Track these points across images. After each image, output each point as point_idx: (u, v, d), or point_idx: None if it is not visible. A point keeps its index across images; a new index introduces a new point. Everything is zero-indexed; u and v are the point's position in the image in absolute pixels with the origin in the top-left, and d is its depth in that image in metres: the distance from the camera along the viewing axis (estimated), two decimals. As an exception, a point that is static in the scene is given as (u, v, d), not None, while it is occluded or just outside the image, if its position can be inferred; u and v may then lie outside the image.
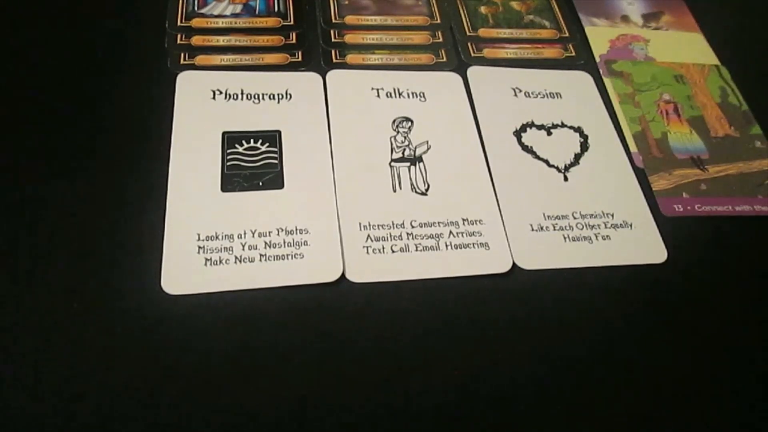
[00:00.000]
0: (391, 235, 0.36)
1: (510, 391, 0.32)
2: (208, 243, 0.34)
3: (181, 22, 0.46)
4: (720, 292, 0.37)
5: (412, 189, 0.39)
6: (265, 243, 0.35)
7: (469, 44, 0.48)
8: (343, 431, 0.30)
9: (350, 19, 0.48)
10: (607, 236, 0.39)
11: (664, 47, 0.51)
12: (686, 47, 0.52)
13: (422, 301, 0.34)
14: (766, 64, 0.52)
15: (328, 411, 0.30)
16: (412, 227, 0.37)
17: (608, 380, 0.33)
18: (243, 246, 0.35)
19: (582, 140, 0.43)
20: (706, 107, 0.47)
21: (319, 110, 0.42)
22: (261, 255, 0.34)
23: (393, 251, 0.36)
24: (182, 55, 0.43)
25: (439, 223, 0.37)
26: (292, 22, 0.47)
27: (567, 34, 0.50)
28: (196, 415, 0.29)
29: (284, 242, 0.35)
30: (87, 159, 0.37)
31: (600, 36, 0.51)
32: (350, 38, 0.47)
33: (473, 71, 0.46)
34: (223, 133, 0.39)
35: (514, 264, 0.36)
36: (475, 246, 0.37)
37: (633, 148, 0.44)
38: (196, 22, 0.46)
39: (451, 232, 0.37)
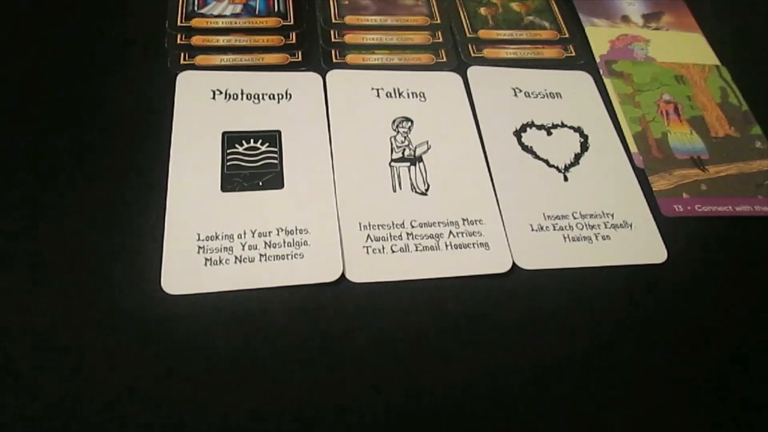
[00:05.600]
0: (391, 235, 0.36)
1: (510, 391, 0.32)
2: (208, 243, 0.34)
3: (181, 22, 0.46)
4: (720, 292, 0.37)
5: (412, 189, 0.39)
6: (265, 243, 0.35)
7: (469, 45, 0.48)
8: (343, 431, 0.30)
9: (350, 19, 0.48)
10: (607, 236, 0.39)
11: (664, 47, 0.51)
12: (686, 47, 0.52)
13: (422, 301, 0.34)
14: (766, 64, 0.52)
15: (328, 411, 0.30)
16: (412, 227, 0.37)
17: (608, 380, 0.33)
18: (243, 246, 0.35)
19: (582, 140, 0.43)
20: (706, 107, 0.47)
21: (319, 110, 0.42)
22: (261, 255, 0.34)
23: (393, 251, 0.36)
24: (182, 55, 0.43)
25: (439, 223, 0.37)
26: (292, 22, 0.47)
27: (567, 35, 0.50)
28: (196, 415, 0.29)
29: (284, 242, 0.35)
30: (87, 159, 0.37)
31: (600, 36, 0.51)
32: (350, 38, 0.47)
33: (473, 71, 0.46)
34: (223, 133, 0.39)
35: (514, 264, 0.36)
36: (475, 246, 0.37)
37: (633, 148, 0.44)
38: (196, 22, 0.46)
39: (451, 232, 0.37)
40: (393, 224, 0.37)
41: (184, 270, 0.33)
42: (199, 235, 0.35)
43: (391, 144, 0.41)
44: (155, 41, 0.44)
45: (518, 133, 0.43)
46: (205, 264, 0.34)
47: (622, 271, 0.37)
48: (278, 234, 0.35)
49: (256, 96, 0.42)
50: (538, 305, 0.35)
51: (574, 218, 0.39)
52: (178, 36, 0.45)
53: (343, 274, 0.34)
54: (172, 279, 0.33)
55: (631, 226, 0.39)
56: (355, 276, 0.35)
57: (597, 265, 0.37)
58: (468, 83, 0.45)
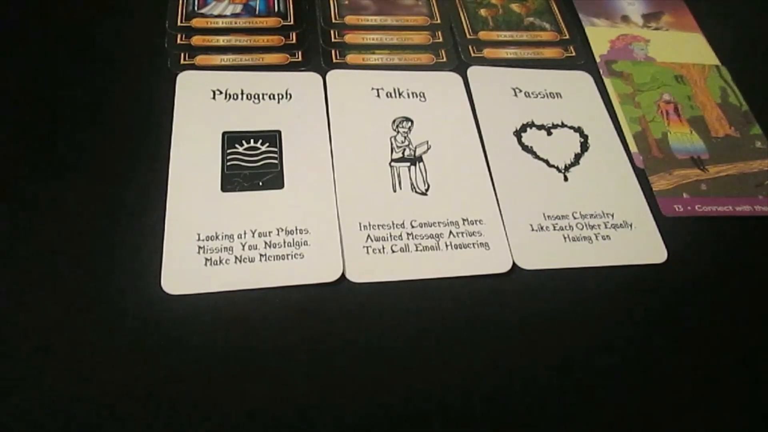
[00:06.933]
0: (391, 235, 0.36)
1: (510, 391, 0.32)
2: (208, 243, 0.34)
3: (181, 22, 0.46)
4: (720, 292, 0.37)
5: (412, 189, 0.39)
6: (265, 243, 0.35)
7: (469, 46, 0.48)
8: (343, 431, 0.30)
9: (350, 19, 0.48)
10: (607, 236, 0.39)
11: (664, 47, 0.51)
12: (686, 47, 0.52)
13: (422, 301, 0.34)
14: (766, 64, 0.52)
15: (327, 411, 0.30)
16: (412, 227, 0.37)
17: (608, 380, 0.33)
18: (243, 246, 0.35)
19: (582, 140, 0.43)
20: (706, 107, 0.47)
21: (319, 110, 0.42)
22: (261, 255, 0.34)
23: (393, 251, 0.36)
24: (182, 55, 0.44)
25: (439, 223, 0.37)
26: (292, 22, 0.47)
27: (567, 36, 0.50)
28: (195, 415, 0.29)
29: (284, 242, 0.35)
30: (87, 159, 0.37)
31: (600, 36, 0.51)
32: (350, 38, 0.47)
33: (473, 71, 0.46)
34: (223, 133, 0.39)
35: (514, 264, 0.36)
36: (475, 246, 0.37)
37: (633, 148, 0.44)
38: (196, 22, 0.46)
39: (451, 232, 0.37)
40: (393, 224, 0.37)
41: (184, 270, 0.33)
42: (199, 235, 0.35)
43: (391, 144, 0.41)
44: (155, 41, 0.44)
45: (518, 133, 0.43)
46: (205, 264, 0.34)
47: (622, 271, 0.37)
48: (278, 234, 0.35)
49: (256, 96, 0.42)
50: (538, 305, 0.35)
51: (574, 218, 0.39)
52: (178, 36, 0.45)
53: (343, 274, 0.34)
54: (172, 279, 0.33)
55: (631, 226, 0.39)
56: (355, 276, 0.35)
57: (597, 265, 0.37)
58: (468, 83, 0.45)
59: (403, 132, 0.42)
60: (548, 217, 0.39)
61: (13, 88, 0.40)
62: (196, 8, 0.47)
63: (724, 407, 0.33)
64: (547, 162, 0.42)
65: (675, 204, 0.41)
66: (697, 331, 0.35)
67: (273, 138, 0.40)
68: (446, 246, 0.36)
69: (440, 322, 0.34)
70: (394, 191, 0.39)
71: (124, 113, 0.40)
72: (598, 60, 0.49)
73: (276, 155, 0.39)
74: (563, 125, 0.44)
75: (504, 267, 0.36)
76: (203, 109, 0.40)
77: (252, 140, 0.39)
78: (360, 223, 0.37)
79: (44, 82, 0.41)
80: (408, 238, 0.36)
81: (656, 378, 0.33)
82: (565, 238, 0.38)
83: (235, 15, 0.47)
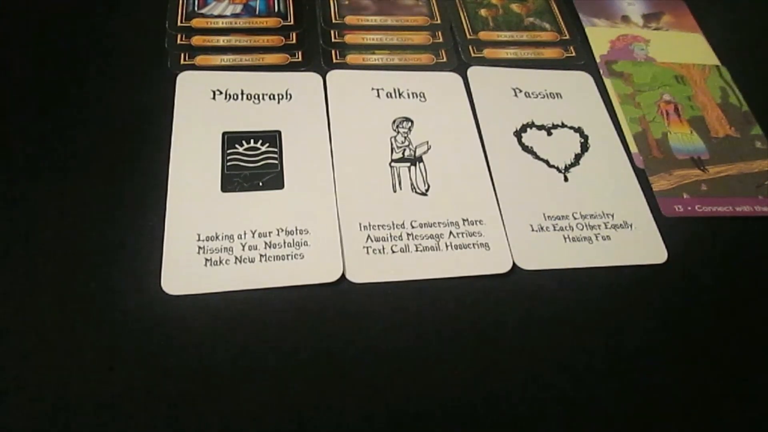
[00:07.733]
0: (391, 236, 0.36)
1: (510, 391, 0.32)
2: (208, 243, 0.34)
3: (181, 22, 0.46)
4: (720, 292, 0.37)
5: (412, 189, 0.39)
6: (265, 243, 0.35)
7: (469, 46, 0.48)
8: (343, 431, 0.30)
9: (350, 20, 0.48)
10: (608, 236, 0.39)
11: (664, 48, 0.51)
12: (686, 47, 0.52)
13: (422, 302, 0.34)
14: (766, 64, 0.52)
15: (327, 411, 0.30)
16: (412, 227, 0.37)
17: (608, 380, 0.33)
18: (243, 246, 0.35)
19: (582, 140, 0.43)
20: (706, 107, 0.47)
21: (319, 110, 0.42)
22: (261, 255, 0.34)
23: (393, 251, 0.36)
24: (182, 55, 0.43)
25: (439, 223, 0.37)
26: (292, 22, 0.47)
27: (567, 37, 0.50)
28: (195, 415, 0.29)
29: (284, 242, 0.35)
30: (87, 159, 0.37)
31: (600, 36, 0.51)
32: (350, 38, 0.47)
33: (473, 71, 0.46)
34: (223, 133, 0.39)
35: (514, 264, 0.36)
36: (475, 246, 0.37)
37: (633, 148, 0.44)
38: (196, 23, 0.46)
39: (451, 232, 0.37)
40: (393, 224, 0.37)
41: (184, 270, 0.33)
42: (199, 235, 0.35)
43: (392, 144, 0.41)
44: (155, 41, 0.44)
45: (518, 134, 0.43)
46: (206, 264, 0.34)
47: (622, 271, 0.37)
48: (278, 234, 0.35)
49: (256, 96, 0.42)
50: (538, 305, 0.35)
51: (575, 218, 0.39)
52: (178, 36, 0.45)
53: (343, 275, 0.34)
54: (172, 279, 0.33)
55: (631, 226, 0.39)
56: (355, 276, 0.35)
57: (597, 265, 0.37)
58: (468, 83, 0.45)
59: (403, 132, 0.42)
60: (548, 217, 0.39)
61: (13, 88, 0.40)
62: (196, 8, 0.47)
63: (724, 407, 0.33)
64: (547, 162, 0.42)
65: (675, 204, 0.41)
66: (697, 332, 0.35)
67: (273, 138, 0.40)
68: (446, 246, 0.36)
69: (440, 323, 0.34)
70: (394, 191, 0.39)
71: (125, 113, 0.40)
72: (598, 60, 0.49)
73: (276, 155, 0.39)
74: (563, 125, 0.44)
75: (504, 267, 0.36)
76: (203, 109, 0.40)
77: (252, 140, 0.39)
78: (360, 224, 0.37)
79: (44, 81, 0.41)
80: (408, 239, 0.36)
81: (656, 378, 0.33)
82: (565, 238, 0.38)
83: (235, 15, 0.47)
